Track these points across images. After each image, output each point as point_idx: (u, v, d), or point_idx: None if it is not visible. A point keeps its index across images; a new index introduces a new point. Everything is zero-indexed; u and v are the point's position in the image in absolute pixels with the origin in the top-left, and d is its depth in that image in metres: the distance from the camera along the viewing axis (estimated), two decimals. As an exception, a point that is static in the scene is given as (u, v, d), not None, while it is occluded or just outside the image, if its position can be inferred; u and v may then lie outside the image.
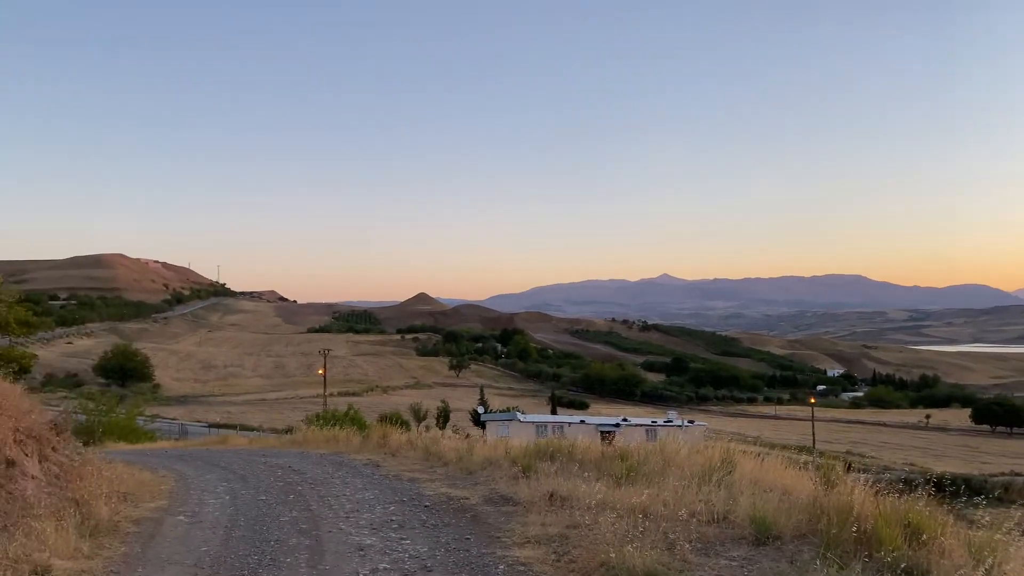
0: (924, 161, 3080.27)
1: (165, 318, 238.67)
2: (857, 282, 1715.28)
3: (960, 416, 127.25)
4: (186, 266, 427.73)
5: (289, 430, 37.68)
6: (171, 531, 9.05)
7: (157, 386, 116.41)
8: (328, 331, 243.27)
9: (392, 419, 31.27)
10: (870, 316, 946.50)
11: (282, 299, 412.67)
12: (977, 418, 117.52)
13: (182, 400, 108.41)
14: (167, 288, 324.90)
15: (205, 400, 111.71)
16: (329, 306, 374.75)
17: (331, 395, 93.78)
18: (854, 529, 6.71)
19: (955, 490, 9.86)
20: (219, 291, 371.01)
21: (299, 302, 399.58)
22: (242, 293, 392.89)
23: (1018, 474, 56.75)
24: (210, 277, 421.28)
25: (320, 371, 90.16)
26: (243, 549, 8.11)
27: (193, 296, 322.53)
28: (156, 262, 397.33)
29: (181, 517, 9.90)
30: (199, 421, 74.83)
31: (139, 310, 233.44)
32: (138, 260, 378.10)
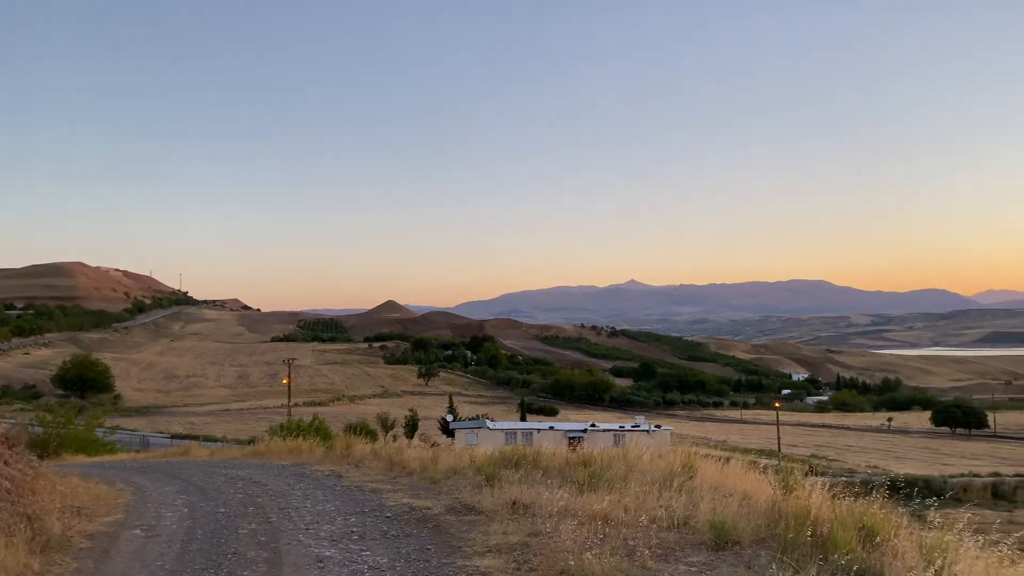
0: (885, 168, 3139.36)
1: (126, 327, 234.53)
2: (821, 287, 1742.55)
3: (921, 419, 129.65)
4: (148, 274, 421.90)
5: (252, 441, 37.15)
6: (126, 546, 8.88)
7: (118, 397, 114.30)
8: (293, 340, 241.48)
9: (358, 429, 30.96)
10: (834, 321, 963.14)
11: (246, 308, 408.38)
12: (937, 421, 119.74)
13: (144, 411, 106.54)
14: (128, 297, 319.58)
15: (167, 411, 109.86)
16: (294, 315, 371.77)
17: (296, 405, 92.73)
18: (810, 533, 6.79)
19: (913, 492, 10.01)
20: (181, 300, 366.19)
21: (263, 311, 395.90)
22: (205, 302, 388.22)
23: (976, 475, 57.81)
24: (172, 285, 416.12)
25: (285, 381, 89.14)
26: (199, 563, 7.98)
27: (155, 305, 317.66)
28: (117, 270, 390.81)
29: (137, 531, 9.72)
30: (161, 432, 73.50)
31: (99, 319, 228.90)
32: (98, 268, 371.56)
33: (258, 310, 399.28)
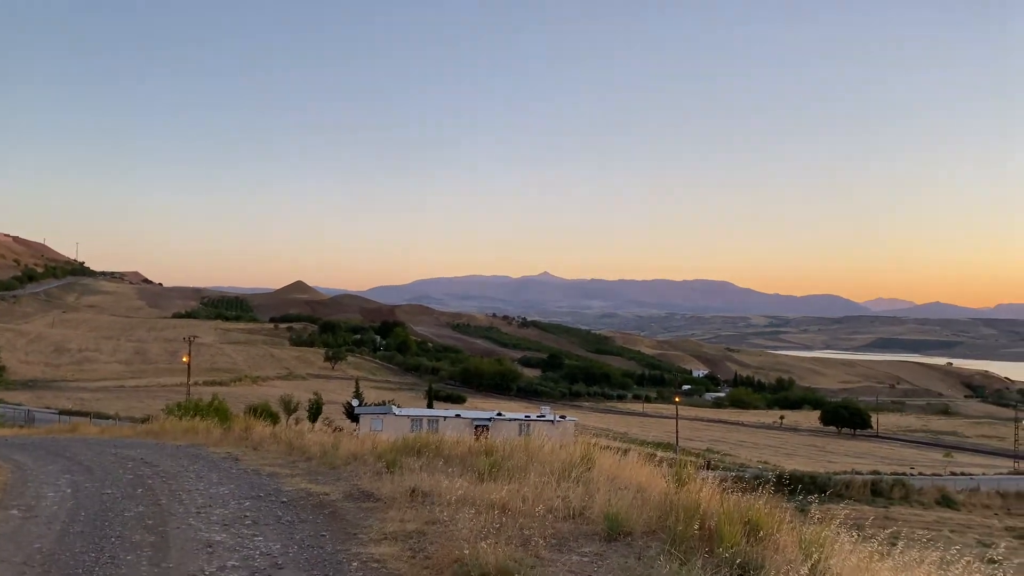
0: (785, 172, 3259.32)
1: (14, 296, 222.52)
2: (723, 288, 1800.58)
3: (811, 418, 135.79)
4: (41, 242, 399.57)
5: (146, 419, 35.97)
6: (0, 527, 8.43)
7: (2, 369, 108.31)
8: (195, 317, 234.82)
9: (260, 411, 30.13)
10: (734, 321, 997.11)
11: (146, 281, 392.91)
12: (826, 420, 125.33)
13: (30, 384, 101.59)
14: (18, 264, 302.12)
15: (56, 385, 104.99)
16: (197, 291, 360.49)
17: (195, 384, 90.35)
18: (698, 526, 7.00)
19: (799, 487, 10.44)
20: (77, 270, 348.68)
21: (165, 285, 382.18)
22: (103, 273, 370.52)
23: (858, 472, 60.47)
24: (68, 255, 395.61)
25: (185, 358, 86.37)
26: (80, 546, 7.65)
27: (48, 274, 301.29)
28: (6, 235, 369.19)
29: (14, 511, 9.25)
30: (48, 408, 70.27)
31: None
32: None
33: (160, 284, 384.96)
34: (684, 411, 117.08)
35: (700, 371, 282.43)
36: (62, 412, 64.63)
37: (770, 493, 7.96)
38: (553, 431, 48.17)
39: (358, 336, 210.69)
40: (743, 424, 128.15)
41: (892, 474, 60.54)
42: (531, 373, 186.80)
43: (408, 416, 58.71)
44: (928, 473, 65.86)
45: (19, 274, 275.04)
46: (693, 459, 49.81)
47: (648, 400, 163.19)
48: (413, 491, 9.67)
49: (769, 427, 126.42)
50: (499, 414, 63.94)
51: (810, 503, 8.44)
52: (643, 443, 72.99)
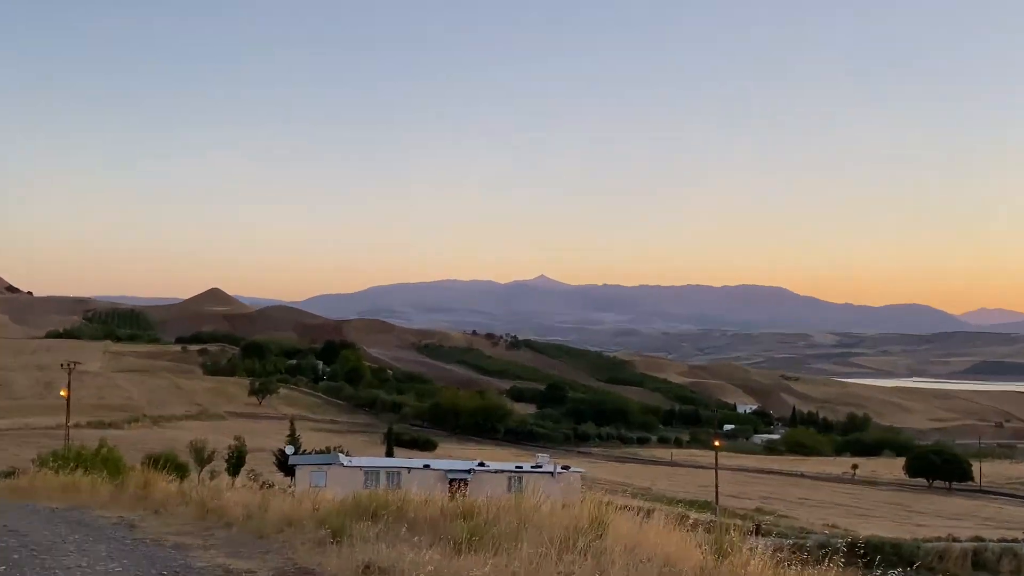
0: (858, 148, 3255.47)
1: None
2: (777, 296, 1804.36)
3: (893, 466, 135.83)
4: None
5: (11, 474, 35.86)
6: None
7: None
8: (77, 336, 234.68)
9: (163, 462, 29.87)
10: (791, 339, 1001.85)
11: (11, 289, 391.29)
12: (912, 470, 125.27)
13: None
14: None
15: None
16: (80, 301, 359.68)
17: (77, 426, 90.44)
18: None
19: (878, 559, 10.45)
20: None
21: (36, 294, 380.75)
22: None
23: (956, 539, 60.00)
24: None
25: (63, 392, 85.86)
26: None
27: None
28: None
29: None
30: None
31: None
32: None
33: (29, 293, 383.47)
34: (726, 459, 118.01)
35: (747, 406, 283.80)
36: None
37: (840, 566, 7.93)
38: (553, 486, 49.50)
39: (294, 361, 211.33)
40: (804, 476, 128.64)
41: (1000, 540, 60.22)
42: (524, 409, 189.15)
43: (361, 468, 59.27)
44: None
45: None
46: (738, 522, 49.46)
47: (679, 444, 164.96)
48: (367, 567, 9.62)
49: (838, 479, 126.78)
50: (481, 464, 64.48)
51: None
52: (672, 501, 71.72)
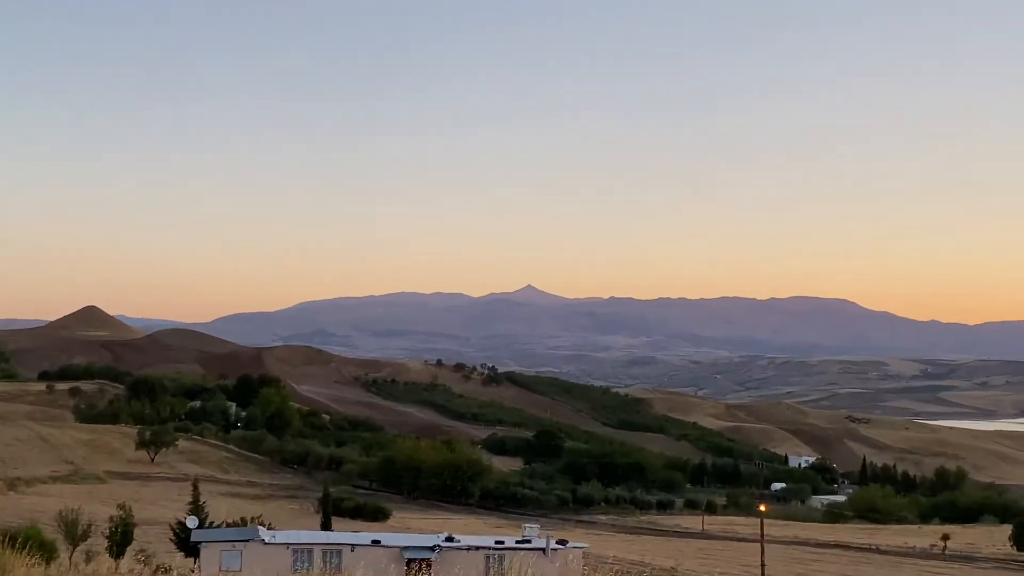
0: (937, 147, 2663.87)
1: None
2: (841, 312, 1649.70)
3: (996, 537, 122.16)
4: None
5: None
6: None
7: None
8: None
9: (22, 540, 26.92)
10: (861, 368, 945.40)
11: None
12: (1021, 541, 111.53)
13: None
14: None
15: None
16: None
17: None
18: None
19: None
20: None
21: None
22: None
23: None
24: None
25: None
26: None
27: None
28: None
29: None
30: None
31: None
32: None
33: None
34: (775, 528, 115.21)
35: (803, 457, 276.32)
36: None
37: None
38: (545, 567, 49.08)
39: (197, 403, 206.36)
40: (878, 550, 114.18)
41: None
42: (505, 464, 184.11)
43: (288, 545, 54.84)
44: None
45: None
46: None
47: (712, 510, 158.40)
48: None
49: (924, 555, 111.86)
50: (449, 539, 58.66)
51: None
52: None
